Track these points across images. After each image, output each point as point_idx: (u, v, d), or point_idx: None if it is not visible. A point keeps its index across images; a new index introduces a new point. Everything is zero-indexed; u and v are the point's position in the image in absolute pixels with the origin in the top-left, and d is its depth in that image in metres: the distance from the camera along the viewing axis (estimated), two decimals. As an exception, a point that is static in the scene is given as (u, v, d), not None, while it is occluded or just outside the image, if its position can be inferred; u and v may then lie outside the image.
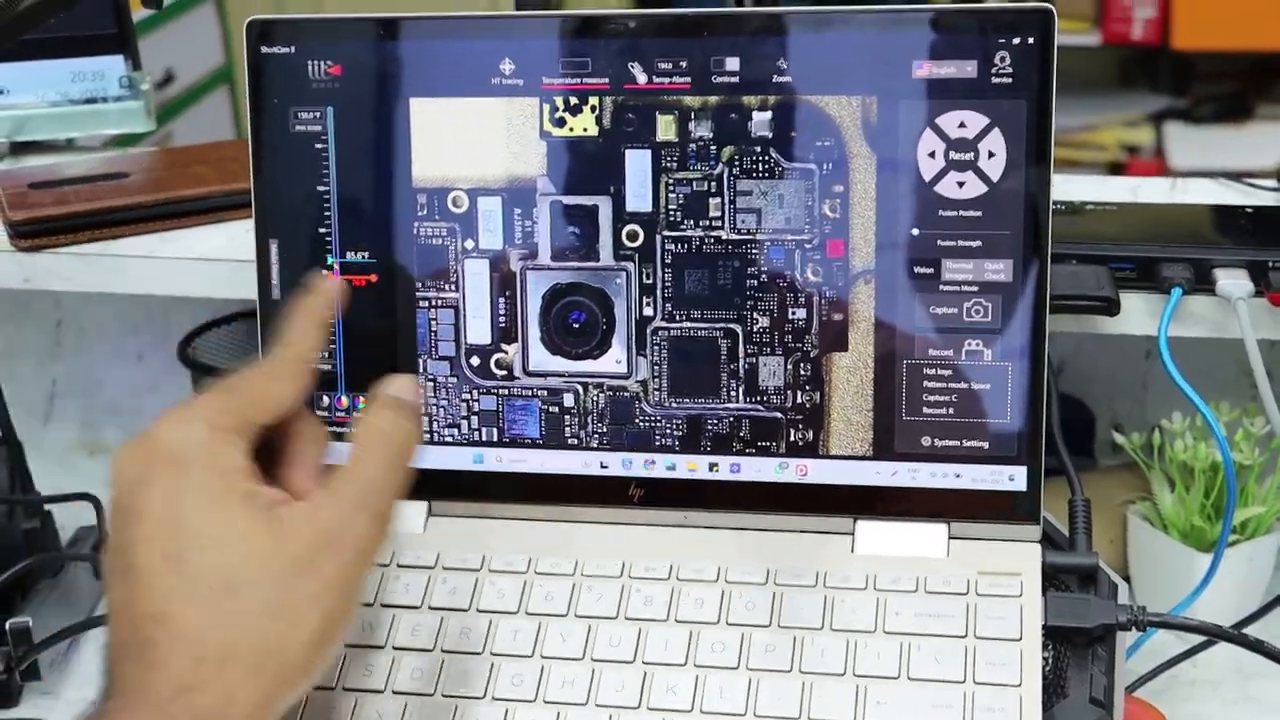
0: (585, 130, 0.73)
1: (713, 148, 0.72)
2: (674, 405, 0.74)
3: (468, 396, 0.75)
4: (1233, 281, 0.78)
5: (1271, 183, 0.91)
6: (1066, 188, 0.90)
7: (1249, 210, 0.85)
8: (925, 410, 0.72)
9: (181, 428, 0.59)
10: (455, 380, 0.75)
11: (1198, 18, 2.69)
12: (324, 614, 0.58)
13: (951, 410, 0.72)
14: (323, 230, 0.75)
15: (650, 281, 0.73)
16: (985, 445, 0.71)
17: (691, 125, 0.72)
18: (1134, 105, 2.90)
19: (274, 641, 0.56)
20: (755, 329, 0.73)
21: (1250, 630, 0.80)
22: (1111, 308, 0.78)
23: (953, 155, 0.70)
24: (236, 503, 0.58)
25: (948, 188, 0.70)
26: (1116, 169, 2.84)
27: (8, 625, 0.80)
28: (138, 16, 1.05)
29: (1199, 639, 0.79)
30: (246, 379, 0.63)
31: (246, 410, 0.61)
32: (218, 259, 0.89)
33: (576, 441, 0.75)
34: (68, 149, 1.13)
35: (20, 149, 1.08)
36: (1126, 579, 0.91)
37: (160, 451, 0.58)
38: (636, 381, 0.74)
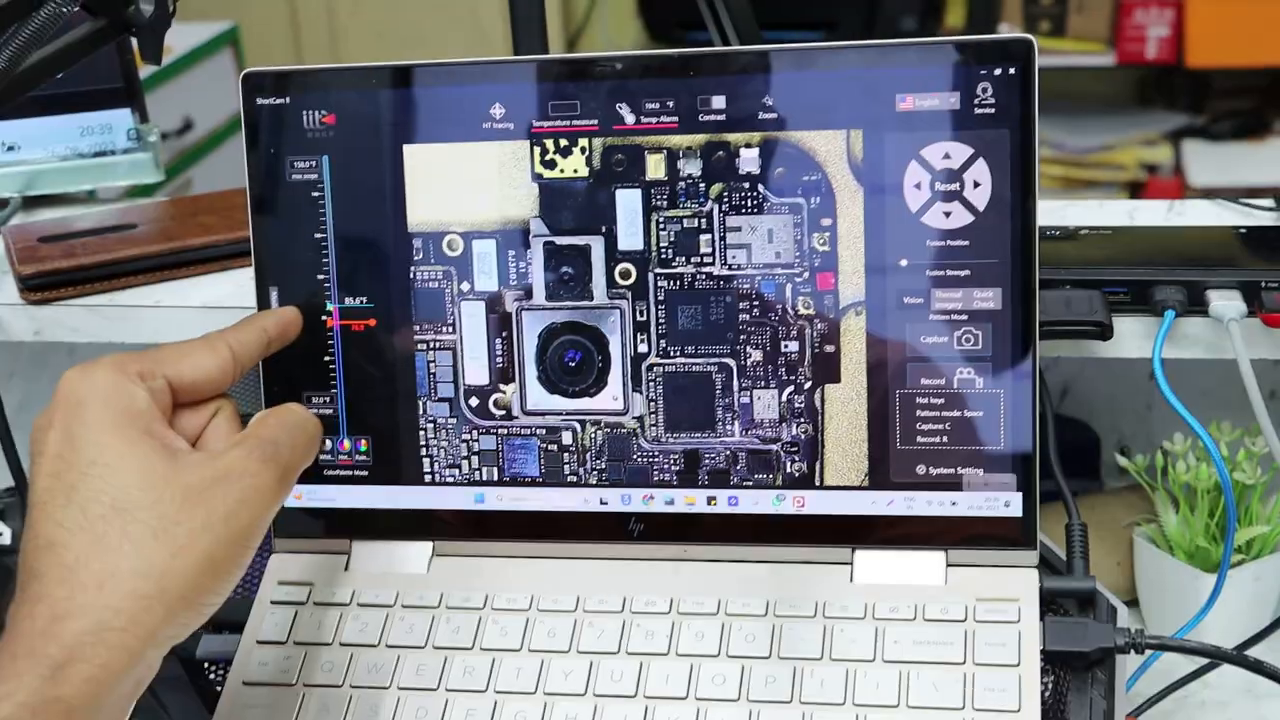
0: (576, 171, 0.74)
1: (702, 185, 0.73)
2: (671, 440, 0.74)
3: (468, 437, 0.76)
4: (1225, 302, 0.78)
5: (1269, 202, 0.90)
6: (1062, 213, 0.90)
7: (1242, 231, 0.85)
8: (920, 439, 0.72)
9: (84, 372, 0.61)
10: (455, 421, 0.76)
11: (1211, 35, 2.68)
12: (209, 546, 0.58)
13: (946, 438, 0.72)
14: (321, 277, 0.76)
15: (644, 318, 0.74)
16: (980, 472, 0.72)
17: (680, 164, 0.73)
18: (1152, 124, 2.90)
19: (155, 566, 0.57)
20: (748, 363, 0.73)
21: (1258, 649, 0.80)
22: (1104, 332, 0.78)
23: (938, 186, 0.71)
24: (134, 435, 0.59)
25: (934, 218, 0.71)
26: (1136, 188, 2.84)
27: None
28: (153, 67, 1.07)
29: (1207, 660, 0.79)
30: (164, 346, 0.65)
31: (154, 364, 0.63)
32: (222, 306, 0.90)
33: (576, 479, 0.75)
34: (89, 200, 1.14)
35: (33, 203, 1.09)
36: (1134, 601, 0.91)
37: (62, 395, 0.60)
38: (633, 418, 0.75)
